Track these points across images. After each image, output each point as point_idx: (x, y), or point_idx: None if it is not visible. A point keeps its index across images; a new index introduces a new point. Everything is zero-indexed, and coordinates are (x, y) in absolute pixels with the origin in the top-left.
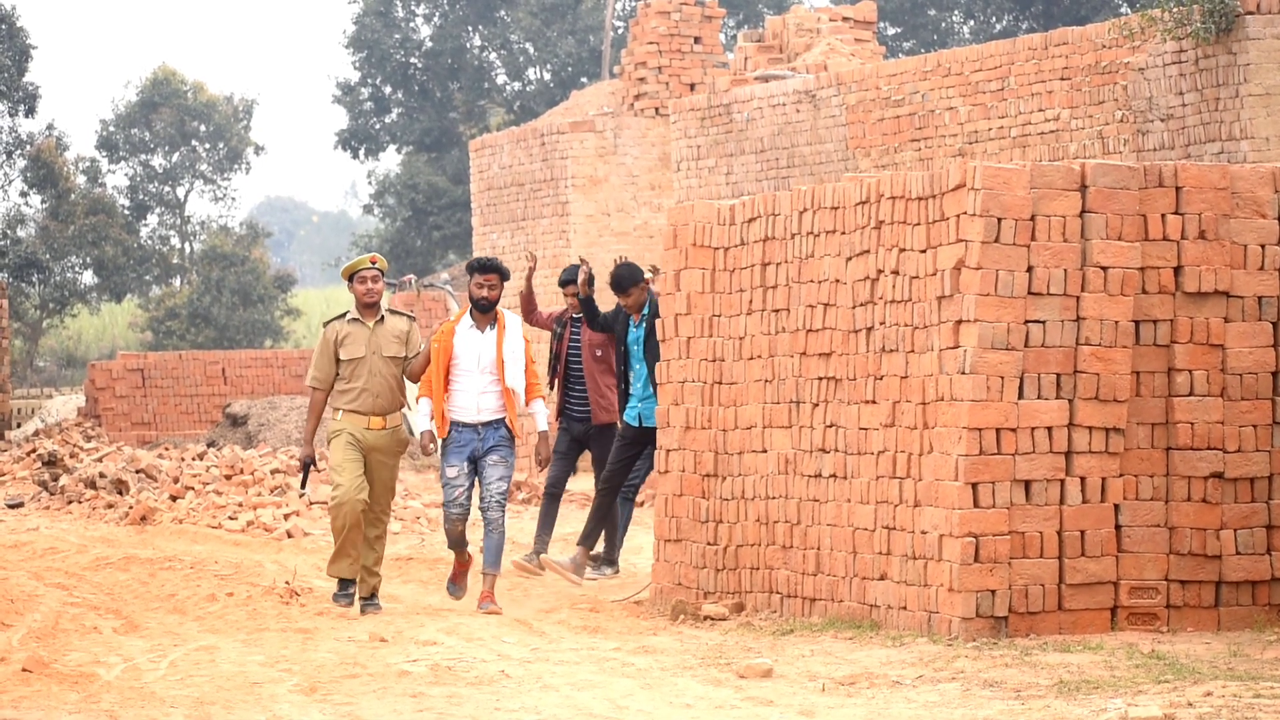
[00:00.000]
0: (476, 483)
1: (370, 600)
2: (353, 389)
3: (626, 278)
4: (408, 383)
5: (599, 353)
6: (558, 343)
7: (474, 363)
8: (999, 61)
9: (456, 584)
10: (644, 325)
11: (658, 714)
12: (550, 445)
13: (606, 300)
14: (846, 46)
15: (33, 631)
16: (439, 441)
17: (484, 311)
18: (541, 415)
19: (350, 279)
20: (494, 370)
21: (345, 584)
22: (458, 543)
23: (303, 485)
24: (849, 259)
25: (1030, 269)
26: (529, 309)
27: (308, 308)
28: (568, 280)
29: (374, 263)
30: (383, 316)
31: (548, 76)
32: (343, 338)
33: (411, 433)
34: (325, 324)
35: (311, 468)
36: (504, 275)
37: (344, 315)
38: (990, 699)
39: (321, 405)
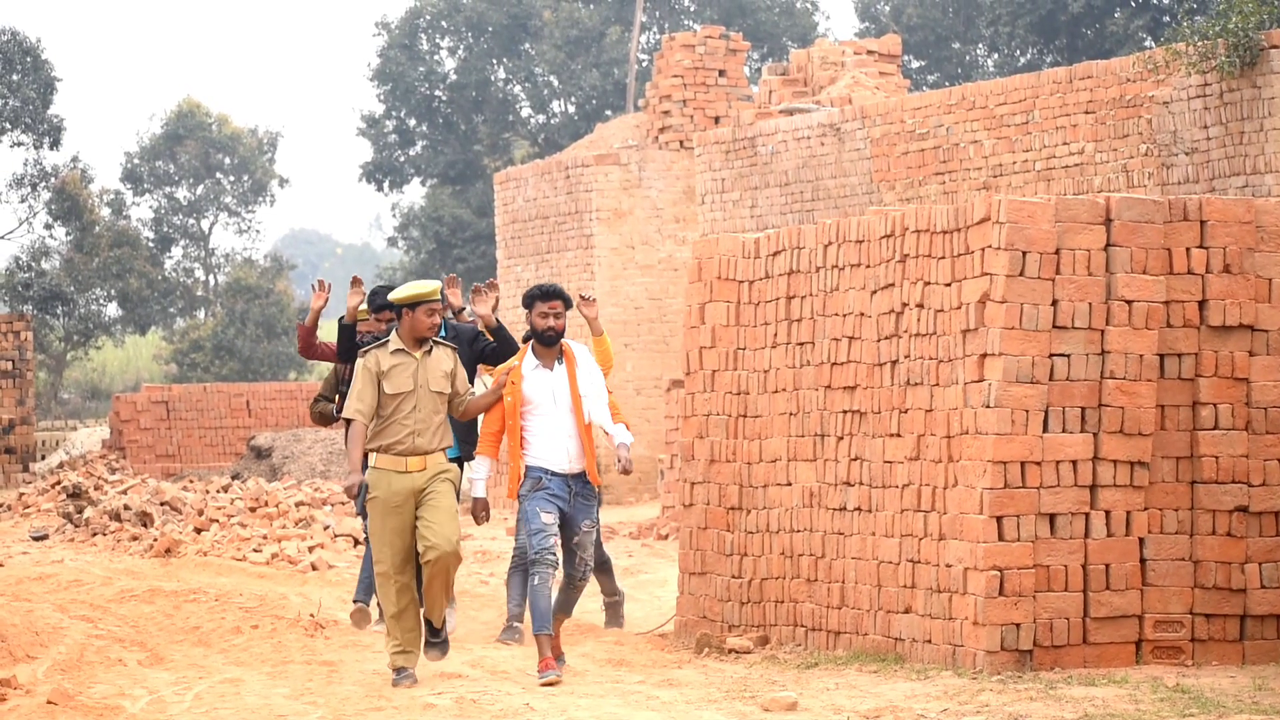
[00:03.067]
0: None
1: (437, 638)
2: (395, 425)
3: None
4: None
5: None
6: None
7: (549, 404)
8: (1023, 95)
9: (550, 669)
10: None
11: None
12: (630, 453)
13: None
14: (871, 80)
15: (58, 664)
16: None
17: (549, 345)
18: (623, 433)
19: (412, 308)
20: (573, 410)
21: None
22: (546, 613)
23: (362, 512)
24: (874, 292)
25: (1055, 302)
26: (306, 343)
27: (332, 340)
28: (382, 306)
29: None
30: (430, 348)
31: (572, 109)
32: (387, 370)
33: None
34: (363, 353)
35: (367, 490)
36: (568, 303)
37: (384, 343)
38: None
39: (363, 435)
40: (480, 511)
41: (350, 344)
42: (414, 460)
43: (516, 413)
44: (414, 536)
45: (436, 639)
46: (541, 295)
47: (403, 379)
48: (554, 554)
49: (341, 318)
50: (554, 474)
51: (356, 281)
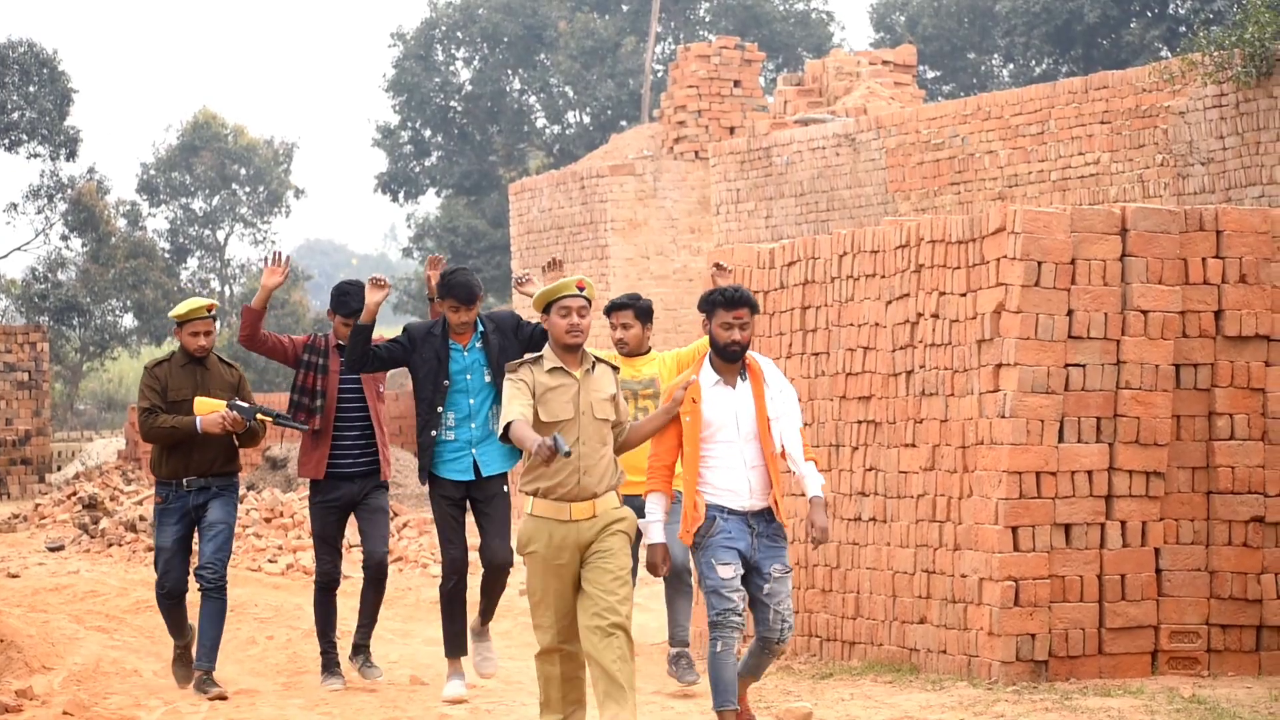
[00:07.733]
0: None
1: None
2: (554, 463)
3: (479, 287)
4: None
5: (383, 389)
6: (321, 377)
7: (733, 429)
8: (1039, 105)
9: None
10: (483, 349)
11: None
12: (826, 514)
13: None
14: (886, 90)
15: (73, 674)
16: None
17: (732, 360)
18: (814, 479)
19: (546, 310)
20: (757, 436)
21: None
22: (730, 685)
23: (566, 451)
24: (889, 302)
25: (1070, 313)
26: (254, 329)
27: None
28: (355, 311)
29: (581, 289)
30: (592, 365)
31: (587, 120)
32: (544, 391)
33: None
34: (514, 367)
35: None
36: (755, 309)
37: (537, 358)
38: None
39: (529, 427)
40: (660, 561)
41: (363, 351)
42: (580, 506)
43: (696, 438)
44: (577, 601)
45: None
46: (725, 302)
47: (561, 404)
48: (738, 615)
49: (356, 318)
50: (731, 512)
51: (377, 281)
